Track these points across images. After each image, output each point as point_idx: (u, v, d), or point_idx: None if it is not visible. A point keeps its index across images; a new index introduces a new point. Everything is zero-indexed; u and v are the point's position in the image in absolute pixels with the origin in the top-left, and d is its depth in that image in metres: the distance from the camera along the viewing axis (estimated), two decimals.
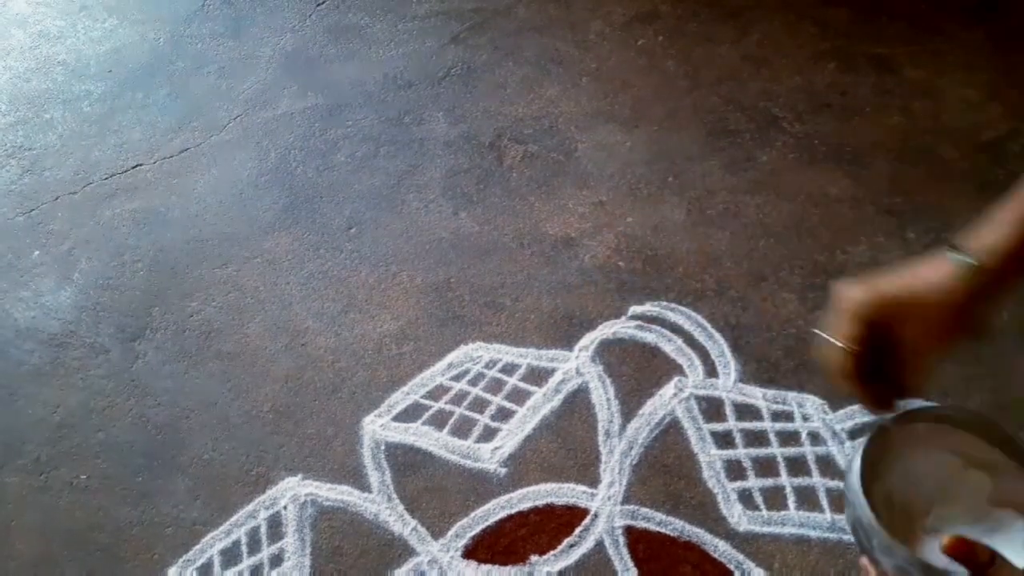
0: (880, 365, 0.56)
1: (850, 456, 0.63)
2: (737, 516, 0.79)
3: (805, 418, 0.84)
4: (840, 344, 0.55)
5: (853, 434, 0.83)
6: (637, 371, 0.89)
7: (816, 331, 0.57)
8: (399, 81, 1.23)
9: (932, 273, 0.54)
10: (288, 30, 1.33)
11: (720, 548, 0.77)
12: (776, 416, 0.84)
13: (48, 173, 1.16)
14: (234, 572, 0.79)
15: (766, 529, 0.78)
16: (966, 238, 0.54)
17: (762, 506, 0.79)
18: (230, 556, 0.80)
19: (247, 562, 0.80)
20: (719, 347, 0.90)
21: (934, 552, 0.57)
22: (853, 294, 0.55)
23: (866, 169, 1.05)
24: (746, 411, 0.85)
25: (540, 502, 0.81)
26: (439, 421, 0.87)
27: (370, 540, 0.80)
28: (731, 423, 0.84)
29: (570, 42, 1.25)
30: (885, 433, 0.65)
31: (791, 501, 0.79)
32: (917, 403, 0.62)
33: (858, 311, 0.54)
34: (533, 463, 0.83)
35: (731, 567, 0.76)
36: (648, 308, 0.93)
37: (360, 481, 0.84)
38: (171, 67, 1.29)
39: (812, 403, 0.85)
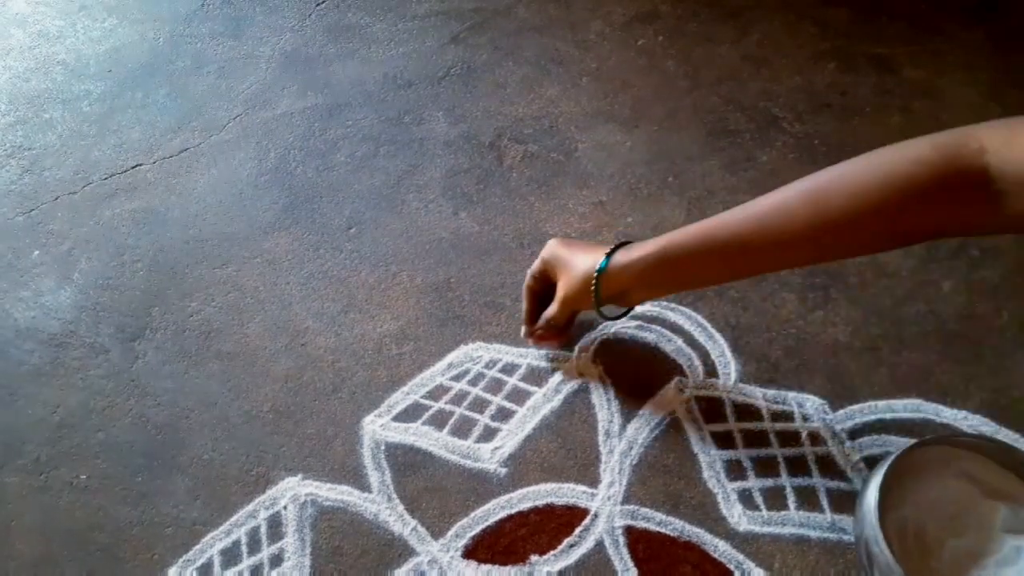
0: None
1: (865, 480, 0.64)
2: (737, 516, 0.79)
3: (805, 418, 0.84)
4: (529, 271, 0.84)
5: (853, 434, 0.83)
6: (637, 371, 0.89)
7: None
8: (399, 81, 1.23)
9: (589, 255, 0.78)
10: (288, 30, 1.33)
11: (720, 548, 0.77)
12: (776, 416, 0.84)
13: (48, 173, 1.16)
14: (234, 572, 0.79)
15: (766, 529, 0.78)
16: (629, 244, 0.76)
17: (762, 506, 0.79)
18: (230, 556, 0.80)
19: (247, 562, 0.80)
20: (719, 347, 0.90)
21: None
22: (548, 245, 0.81)
23: None
24: (746, 411, 0.85)
25: (540, 502, 0.81)
26: (439, 421, 0.87)
27: (370, 540, 0.80)
28: (731, 423, 0.84)
29: (570, 42, 1.25)
30: (901, 459, 0.65)
31: (791, 501, 0.79)
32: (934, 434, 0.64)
33: (543, 255, 0.81)
34: (533, 463, 0.83)
35: (731, 567, 0.76)
36: (648, 308, 0.93)
37: (360, 481, 0.84)
38: (171, 67, 1.29)
39: (812, 403, 0.85)
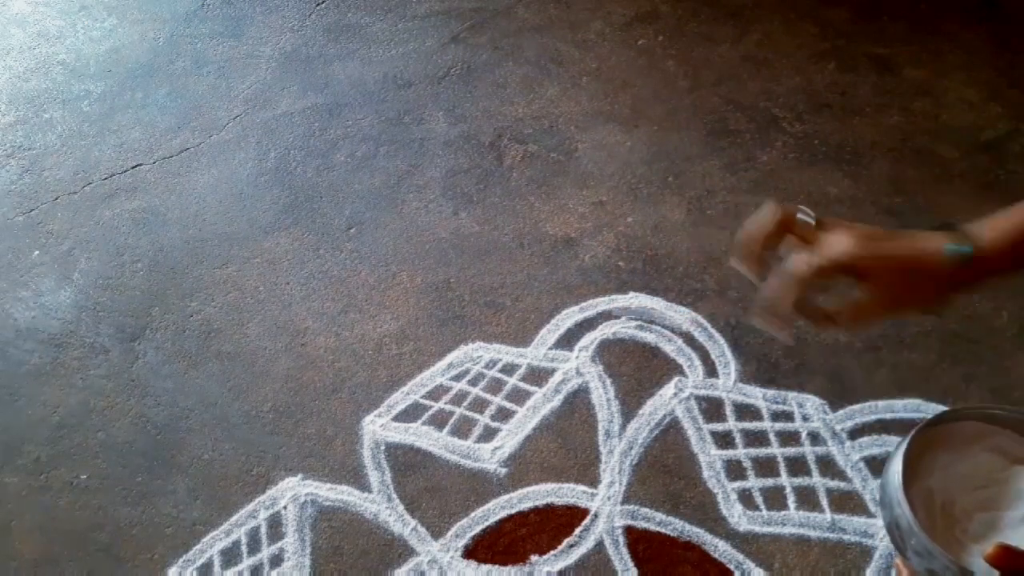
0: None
1: (891, 453, 0.63)
2: (737, 516, 0.79)
3: (805, 418, 0.84)
4: (808, 266, 0.54)
5: (853, 434, 0.83)
6: (637, 371, 0.89)
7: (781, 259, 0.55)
8: (399, 81, 1.23)
9: (925, 246, 0.57)
10: (288, 30, 1.33)
11: (720, 548, 0.77)
12: (776, 416, 0.84)
13: (48, 173, 1.16)
14: (234, 572, 0.79)
15: (766, 529, 0.78)
16: (967, 226, 0.58)
17: (762, 506, 0.79)
18: (230, 556, 0.80)
19: (247, 562, 0.80)
20: (719, 347, 0.90)
21: (975, 558, 0.57)
22: (845, 243, 0.53)
23: (866, 169, 1.05)
24: (746, 411, 0.85)
25: (540, 502, 0.81)
26: (439, 421, 0.87)
27: (370, 540, 0.80)
28: (731, 423, 0.84)
29: (570, 42, 1.25)
30: (927, 432, 0.65)
31: (791, 501, 0.79)
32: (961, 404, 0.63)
33: (848, 254, 0.53)
34: (533, 463, 0.83)
35: (731, 567, 0.76)
36: (648, 308, 0.93)
37: (360, 481, 0.84)
38: (171, 67, 1.29)
39: (812, 403, 0.85)
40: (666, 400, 0.86)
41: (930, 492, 0.65)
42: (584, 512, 0.80)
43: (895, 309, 0.60)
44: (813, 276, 0.57)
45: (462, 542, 0.79)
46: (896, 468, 0.62)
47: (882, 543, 0.75)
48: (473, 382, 0.89)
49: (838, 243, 0.56)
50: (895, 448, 0.64)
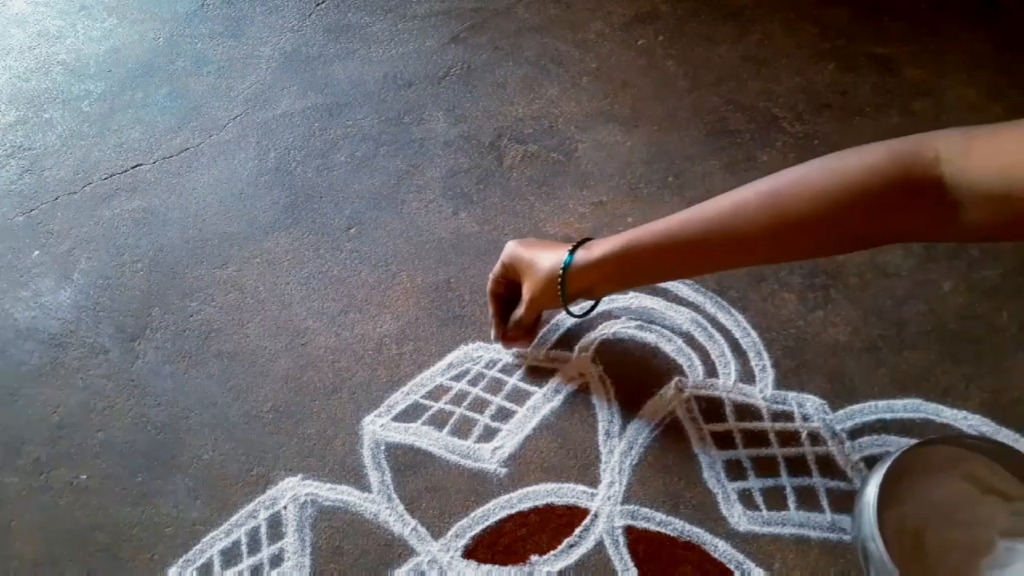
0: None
1: (866, 477, 0.64)
2: (737, 516, 0.79)
3: (805, 418, 0.84)
4: (491, 275, 0.84)
5: (853, 434, 0.83)
6: (637, 371, 0.89)
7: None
8: (399, 81, 1.23)
9: (552, 254, 0.77)
10: (288, 30, 1.33)
11: (720, 548, 0.77)
12: (776, 416, 0.85)
13: (48, 173, 1.16)
14: (234, 572, 0.79)
15: (766, 529, 0.78)
16: (592, 241, 0.77)
17: (762, 506, 0.79)
18: (230, 556, 0.80)
19: (247, 562, 0.80)
20: (719, 347, 0.90)
21: None
22: (507, 246, 0.82)
23: None
24: (746, 411, 0.85)
25: (540, 502, 0.81)
26: (439, 421, 0.87)
27: (370, 540, 0.80)
28: (731, 423, 0.84)
29: (570, 42, 1.25)
30: (905, 457, 0.66)
31: (791, 501, 0.79)
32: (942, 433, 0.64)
33: (503, 258, 0.82)
34: (533, 463, 0.83)
35: (731, 567, 0.76)
36: (649, 307, 0.93)
37: (360, 481, 0.84)
38: (171, 67, 1.29)
39: (812, 403, 0.85)
40: (666, 400, 0.86)
41: (903, 519, 0.65)
42: (584, 512, 0.80)
43: (534, 306, 0.81)
44: (496, 280, 0.86)
45: (462, 542, 0.79)
46: (871, 494, 0.63)
47: None
48: (473, 382, 0.90)
49: (508, 244, 0.83)
50: (872, 472, 0.65)
